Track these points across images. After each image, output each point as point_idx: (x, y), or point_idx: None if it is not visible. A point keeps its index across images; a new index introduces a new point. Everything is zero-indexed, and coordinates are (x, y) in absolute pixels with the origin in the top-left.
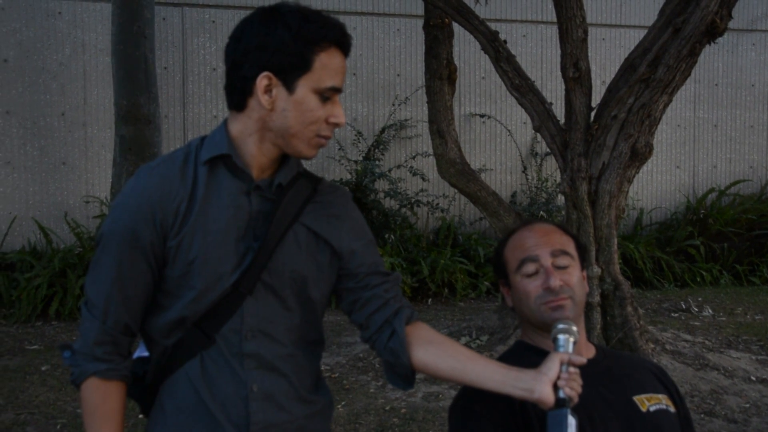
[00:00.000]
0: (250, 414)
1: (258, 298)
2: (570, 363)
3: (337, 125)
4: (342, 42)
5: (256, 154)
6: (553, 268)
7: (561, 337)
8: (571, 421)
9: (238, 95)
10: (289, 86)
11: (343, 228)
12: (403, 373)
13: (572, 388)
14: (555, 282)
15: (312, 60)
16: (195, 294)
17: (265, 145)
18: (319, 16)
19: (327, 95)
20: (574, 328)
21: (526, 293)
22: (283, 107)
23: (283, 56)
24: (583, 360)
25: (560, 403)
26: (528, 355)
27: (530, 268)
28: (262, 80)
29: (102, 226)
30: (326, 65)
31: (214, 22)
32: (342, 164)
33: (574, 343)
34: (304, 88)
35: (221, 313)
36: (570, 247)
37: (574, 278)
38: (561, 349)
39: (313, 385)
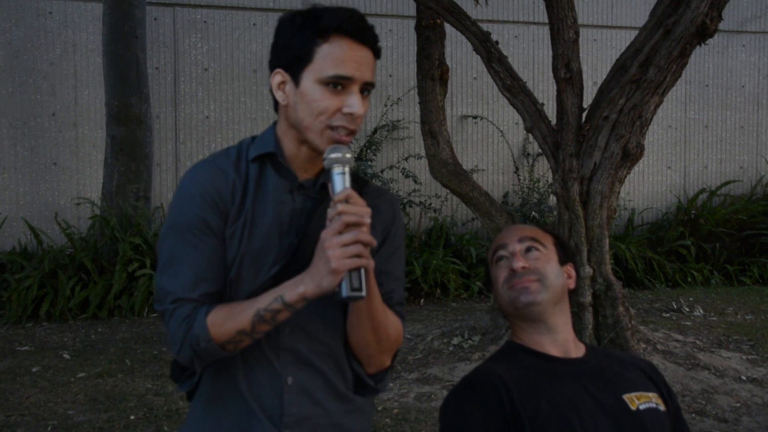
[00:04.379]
0: (284, 406)
1: None
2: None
3: (351, 115)
4: (350, 31)
5: (295, 152)
6: (520, 253)
7: (334, 173)
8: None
9: (272, 96)
10: (296, 79)
11: (382, 249)
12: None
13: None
14: (517, 264)
15: (313, 50)
16: (237, 281)
17: (298, 142)
18: (327, 9)
19: (338, 84)
20: (348, 156)
21: (496, 280)
22: (294, 101)
23: (288, 51)
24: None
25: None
26: (518, 355)
27: (500, 254)
28: (274, 77)
29: (167, 222)
30: (328, 54)
31: (205, 22)
32: None
33: (351, 170)
34: (307, 79)
35: None
36: (543, 238)
37: (542, 263)
38: (337, 189)
39: (348, 386)
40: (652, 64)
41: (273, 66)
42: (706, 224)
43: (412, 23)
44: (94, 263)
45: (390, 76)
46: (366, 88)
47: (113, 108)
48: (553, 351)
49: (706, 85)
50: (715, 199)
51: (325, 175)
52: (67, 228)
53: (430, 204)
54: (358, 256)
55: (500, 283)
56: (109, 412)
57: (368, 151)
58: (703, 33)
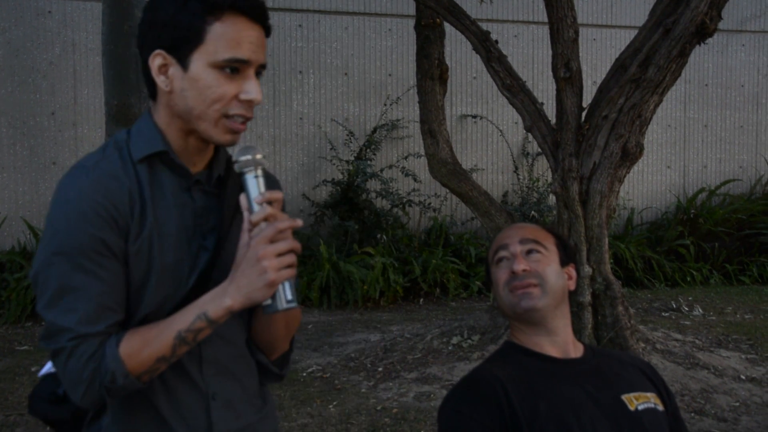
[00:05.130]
0: (212, 424)
1: None
2: (268, 201)
3: (249, 102)
4: (244, 8)
5: (183, 145)
6: (521, 255)
7: (248, 177)
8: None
9: (148, 82)
10: (183, 63)
11: None
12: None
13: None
14: (518, 266)
15: (203, 30)
16: (156, 301)
17: (185, 133)
18: None
19: (233, 68)
20: (259, 156)
21: (496, 281)
22: (181, 87)
23: (172, 30)
24: (279, 195)
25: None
26: (517, 356)
27: (500, 255)
28: (154, 60)
29: (48, 247)
30: (222, 35)
31: None
32: (333, 164)
33: (263, 172)
34: (198, 62)
35: None
36: (544, 239)
37: (543, 266)
38: (253, 193)
39: (257, 386)
40: (652, 63)
41: (151, 46)
42: (706, 224)
43: (412, 22)
44: None
45: (389, 75)
46: (260, 71)
47: (112, 107)
48: (552, 352)
49: (706, 85)
50: (714, 199)
51: (218, 166)
52: None
53: (430, 203)
54: (291, 265)
55: (501, 285)
56: None
57: (368, 150)
58: (703, 32)
